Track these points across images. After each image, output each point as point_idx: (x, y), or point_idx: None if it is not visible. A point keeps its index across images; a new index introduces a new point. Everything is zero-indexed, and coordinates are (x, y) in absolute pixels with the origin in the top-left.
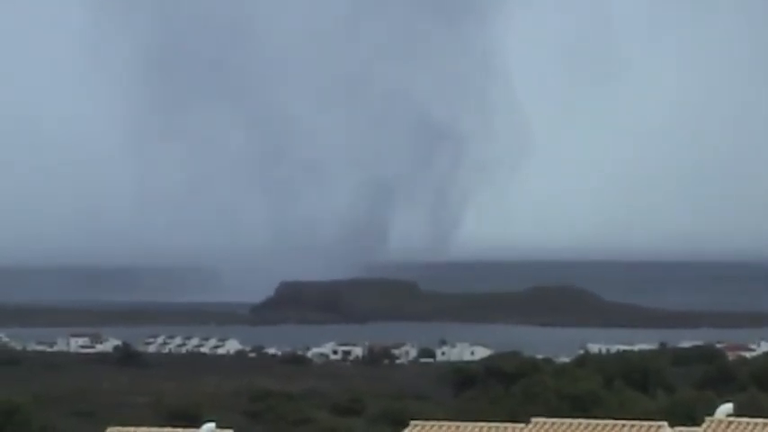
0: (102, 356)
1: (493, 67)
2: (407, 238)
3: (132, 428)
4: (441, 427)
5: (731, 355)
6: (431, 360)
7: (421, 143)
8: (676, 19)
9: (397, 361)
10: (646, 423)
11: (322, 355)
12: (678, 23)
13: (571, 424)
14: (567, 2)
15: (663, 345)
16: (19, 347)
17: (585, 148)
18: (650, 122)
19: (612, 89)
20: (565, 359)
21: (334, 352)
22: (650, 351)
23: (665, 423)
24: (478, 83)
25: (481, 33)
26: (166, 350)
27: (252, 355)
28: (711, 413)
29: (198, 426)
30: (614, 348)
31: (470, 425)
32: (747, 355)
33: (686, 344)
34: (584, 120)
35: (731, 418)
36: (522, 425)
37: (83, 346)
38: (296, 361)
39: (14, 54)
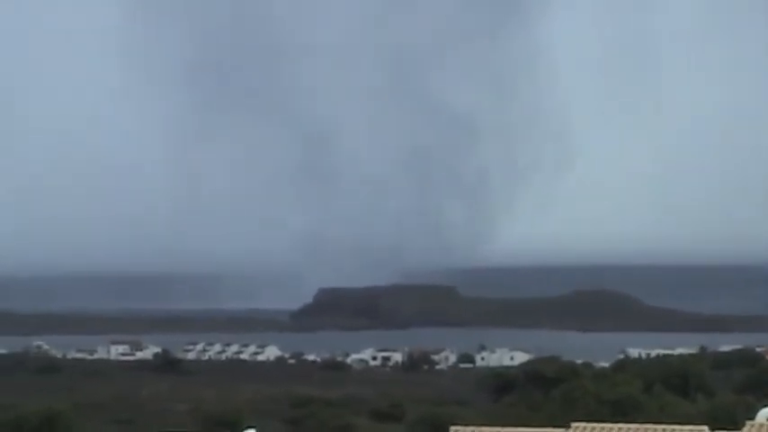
0: (141, 364)
1: (537, 69)
2: (447, 243)
3: None
4: None
5: None
6: (470, 365)
7: (460, 147)
8: (719, 23)
9: (437, 366)
10: (686, 427)
11: (361, 361)
12: (720, 27)
13: (611, 429)
14: (609, 4)
15: (703, 349)
16: (59, 355)
17: (626, 152)
18: (691, 126)
19: (655, 92)
20: (604, 364)
21: (374, 358)
22: (690, 355)
23: (706, 427)
24: (522, 86)
25: (525, 35)
26: (206, 357)
27: (291, 361)
28: (752, 417)
29: None
30: (654, 353)
31: (510, 430)
32: None
33: (726, 348)
34: (626, 123)
35: None
36: (561, 430)
37: (123, 354)
38: (335, 367)
39: (51, 60)
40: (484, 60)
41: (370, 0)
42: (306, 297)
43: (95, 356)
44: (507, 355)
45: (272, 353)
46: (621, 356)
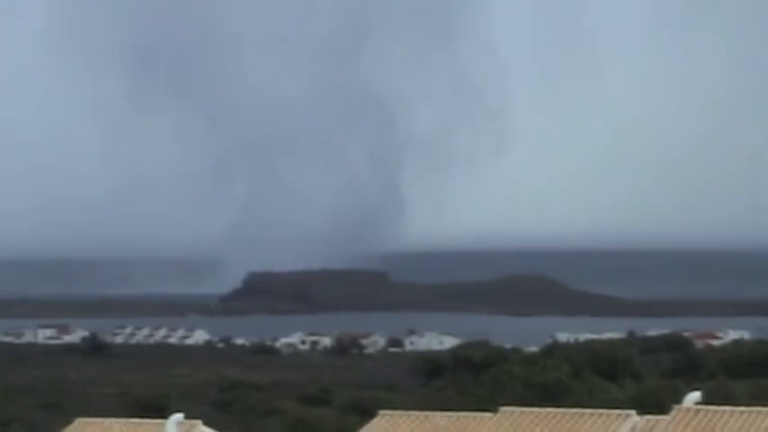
0: (69, 347)
1: (476, 55)
2: (377, 227)
3: (100, 419)
4: (409, 416)
5: (699, 344)
6: (399, 350)
7: (394, 133)
8: (664, 12)
9: (366, 351)
10: (614, 412)
11: (290, 345)
12: (666, 17)
13: (539, 413)
14: None
15: (631, 334)
16: None
17: (559, 140)
18: (627, 116)
19: (593, 80)
20: (533, 348)
21: (303, 342)
22: (618, 340)
23: (633, 412)
24: (463, 67)
25: (465, 17)
26: (134, 341)
27: (220, 345)
28: (679, 401)
29: (166, 416)
30: (583, 337)
31: (438, 414)
32: (715, 343)
33: (654, 333)
34: (562, 111)
35: (699, 407)
36: (490, 414)
37: (50, 338)
38: (264, 351)
39: None
40: (422, 45)
41: None
42: (235, 281)
43: (23, 340)
44: (436, 340)
45: (200, 337)
46: (550, 341)
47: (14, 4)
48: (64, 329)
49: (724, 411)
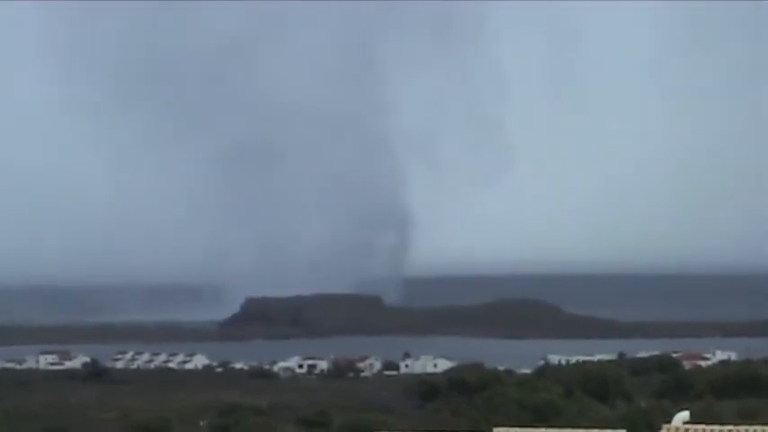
0: (70, 373)
1: (473, 78)
2: (371, 252)
3: None
4: None
5: (687, 365)
6: (395, 373)
7: (392, 158)
8: (674, 45)
9: (362, 374)
10: (605, 431)
11: (288, 369)
12: (675, 50)
13: None
14: (557, 22)
15: (621, 355)
16: None
17: (548, 164)
18: (625, 143)
19: (595, 108)
20: (526, 370)
21: (300, 366)
22: (609, 361)
23: (624, 431)
24: (456, 94)
25: (469, 48)
26: (134, 366)
27: (219, 369)
28: (669, 421)
29: None
30: (574, 359)
31: None
32: (703, 363)
33: (644, 354)
34: (562, 137)
35: (688, 426)
36: None
37: (52, 363)
38: (262, 375)
39: None
40: (422, 68)
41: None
42: (233, 307)
43: (24, 366)
44: (431, 363)
45: (199, 361)
46: (542, 363)
47: (7, 23)
48: (65, 355)
49: (712, 430)
